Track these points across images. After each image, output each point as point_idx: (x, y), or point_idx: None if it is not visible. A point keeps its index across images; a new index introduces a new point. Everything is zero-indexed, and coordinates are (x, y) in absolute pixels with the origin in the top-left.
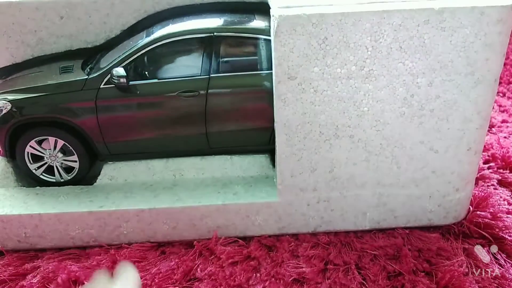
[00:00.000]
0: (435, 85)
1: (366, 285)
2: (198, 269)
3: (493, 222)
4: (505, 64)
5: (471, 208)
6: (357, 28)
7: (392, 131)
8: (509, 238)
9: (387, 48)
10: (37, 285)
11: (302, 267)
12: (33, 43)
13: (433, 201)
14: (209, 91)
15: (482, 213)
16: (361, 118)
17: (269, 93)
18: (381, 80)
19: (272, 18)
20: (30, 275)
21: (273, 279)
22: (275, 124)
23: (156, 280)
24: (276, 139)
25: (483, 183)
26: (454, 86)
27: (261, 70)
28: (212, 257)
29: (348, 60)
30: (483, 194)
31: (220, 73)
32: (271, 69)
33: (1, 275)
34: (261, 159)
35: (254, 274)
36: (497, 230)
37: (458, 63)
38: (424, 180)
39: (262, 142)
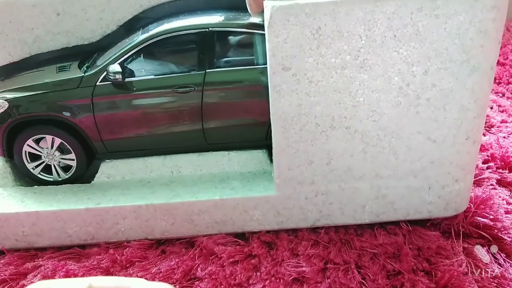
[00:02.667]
0: (430, 73)
1: (366, 284)
2: (199, 269)
3: (492, 223)
4: (504, 65)
5: (472, 208)
6: (350, 17)
7: (388, 121)
8: (508, 239)
9: (381, 37)
10: None
11: (302, 266)
12: (30, 41)
13: (433, 193)
14: (205, 86)
15: (483, 219)
16: (357, 109)
17: (265, 88)
18: (376, 69)
19: (265, 8)
20: (31, 274)
21: (273, 278)
22: (271, 117)
23: (157, 280)
24: (273, 132)
25: (482, 183)
26: (450, 74)
27: (257, 64)
28: (212, 257)
29: (342, 50)
30: (483, 196)
31: (215, 68)
32: (266, 64)
33: (2, 274)
34: (259, 155)
35: (255, 273)
36: (495, 231)
37: (453, 51)
38: (422, 171)
39: (259, 138)
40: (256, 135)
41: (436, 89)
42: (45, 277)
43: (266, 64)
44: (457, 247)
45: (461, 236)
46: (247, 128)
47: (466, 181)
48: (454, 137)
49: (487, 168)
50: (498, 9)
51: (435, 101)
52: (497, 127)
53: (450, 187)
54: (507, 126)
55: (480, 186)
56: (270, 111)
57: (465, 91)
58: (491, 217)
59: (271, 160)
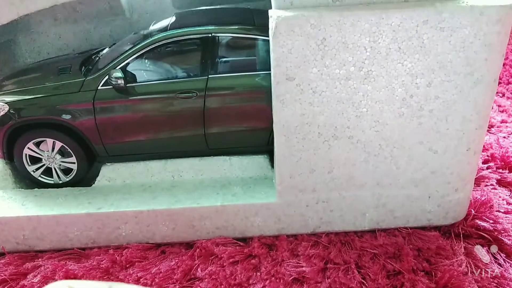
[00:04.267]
0: (434, 85)
1: (366, 284)
2: (199, 269)
3: (493, 226)
4: (504, 65)
5: (472, 212)
6: (355, 28)
7: (391, 132)
8: (508, 241)
9: (386, 49)
10: (38, 285)
11: (302, 266)
12: (17, 1)
13: (433, 202)
14: (207, 92)
15: (483, 222)
16: (360, 119)
17: (268, 93)
18: (380, 80)
19: (270, 19)
20: (31, 274)
21: (273, 278)
22: (273, 125)
23: (157, 280)
24: (275, 140)
25: (481, 183)
26: (453, 86)
27: (260, 70)
28: (212, 257)
29: (347, 61)
30: (483, 199)
31: (218, 74)
32: (270, 70)
33: (2, 274)
34: (260, 160)
35: (255, 273)
36: (496, 233)
37: (457, 63)
38: (423, 180)
39: (261, 143)
40: (257, 141)
41: (439, 101)
42: (45, 277)
43: (268, 70)
44: (457, 247)
45: (461, 237)
46: (249, 134)
47: (466, 190)
48: (455, 147)
49: (487, 168)
50: (503, 23)
51: (437, 113)
52: (497, 127)
53: (450, 196)
54: (507, 126)
55: (479, 186)
56: (273, 120)
57: (468, 103)
58: (491, 221)
59: (272, 166)
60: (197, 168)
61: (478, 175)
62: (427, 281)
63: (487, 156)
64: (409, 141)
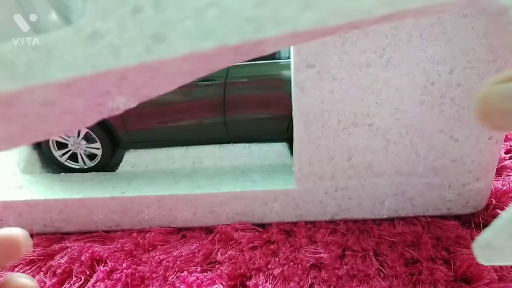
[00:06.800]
0: (456, 72)
1: (384, 271)
2: (219, 253)
3: None
4: None
5: (493, 201)
6: None
7: (411, 120)
8: None
9: (407, 36)
10: (65, 265)
11: (320, 253)
12: None
13: (453, 190)
14: (228, 79)
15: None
16: (380, 106)
17: (287, 82)
18: (401, 68)
19: None
20: (58, 255)
21: (292, 263)
22: (293, 112)
23: (178, 263)
24: (294, 127)
25: (503, 173)
26: (476, 73)
27: (279, 58)
28: (232, 242)
29: (367, 48)
30: (505, 188)
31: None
32: (290, 58)
33: (30, 255)
34: (279, 148)
35: (273, 259)
36: None
37: (480, 50)
38: (443, 169)
39: (280, 131)
40: (277, 128)
41: (461, 88)
42: (72, 258)
43: (288, 58)
44: (476, 236)
45: (481, 227)
46: (268, 121)
47: (487, 179)
48: (477, 136)
49: (509, 158)
50: None
51: (459, 101)
52: None
53: (470, 185)
54: None
55: (501, 176)
56: (293, 107)
57: None
58: None
59: (291, 153)
60: (217, 155)
61: (500, 165)
62: (445, 269)
63: (510, 146)
64: (430, 129)
